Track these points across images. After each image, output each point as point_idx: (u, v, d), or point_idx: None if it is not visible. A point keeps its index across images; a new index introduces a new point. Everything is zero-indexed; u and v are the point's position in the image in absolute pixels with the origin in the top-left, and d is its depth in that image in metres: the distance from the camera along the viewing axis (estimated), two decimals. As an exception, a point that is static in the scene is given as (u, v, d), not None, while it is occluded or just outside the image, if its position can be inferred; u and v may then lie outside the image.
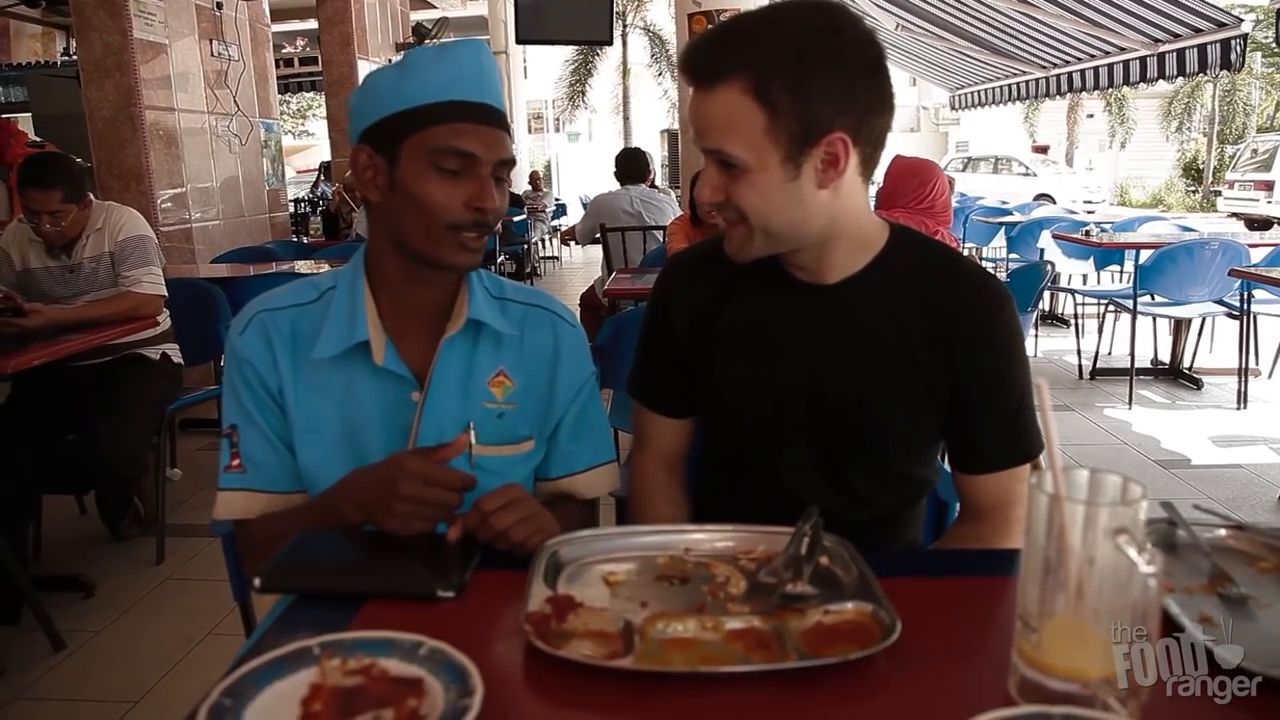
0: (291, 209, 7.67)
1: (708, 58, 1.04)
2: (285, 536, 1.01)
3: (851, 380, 1.14)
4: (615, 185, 5.46)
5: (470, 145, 1.07)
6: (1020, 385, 1.15)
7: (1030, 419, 1.16)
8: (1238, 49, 5.61)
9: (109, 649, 2.45)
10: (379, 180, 1.10)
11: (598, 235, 5.25)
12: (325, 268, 4.33)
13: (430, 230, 1.08)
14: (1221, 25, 5.77)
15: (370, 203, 1.14)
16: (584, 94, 21.74)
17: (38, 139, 6.41)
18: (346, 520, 1.02)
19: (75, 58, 4.86)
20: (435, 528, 0.98)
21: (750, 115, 1.01)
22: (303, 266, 4.42)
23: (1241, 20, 5.70)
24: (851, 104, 1.03)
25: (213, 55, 5.40)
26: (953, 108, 12.24)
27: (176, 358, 3.18)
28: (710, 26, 1.07)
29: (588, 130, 27.24)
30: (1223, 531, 1.00)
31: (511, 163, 1.14)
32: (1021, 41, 8.03)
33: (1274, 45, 5.54)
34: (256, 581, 0.92)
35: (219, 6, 5.44)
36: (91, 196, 3.02)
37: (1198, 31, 5.97)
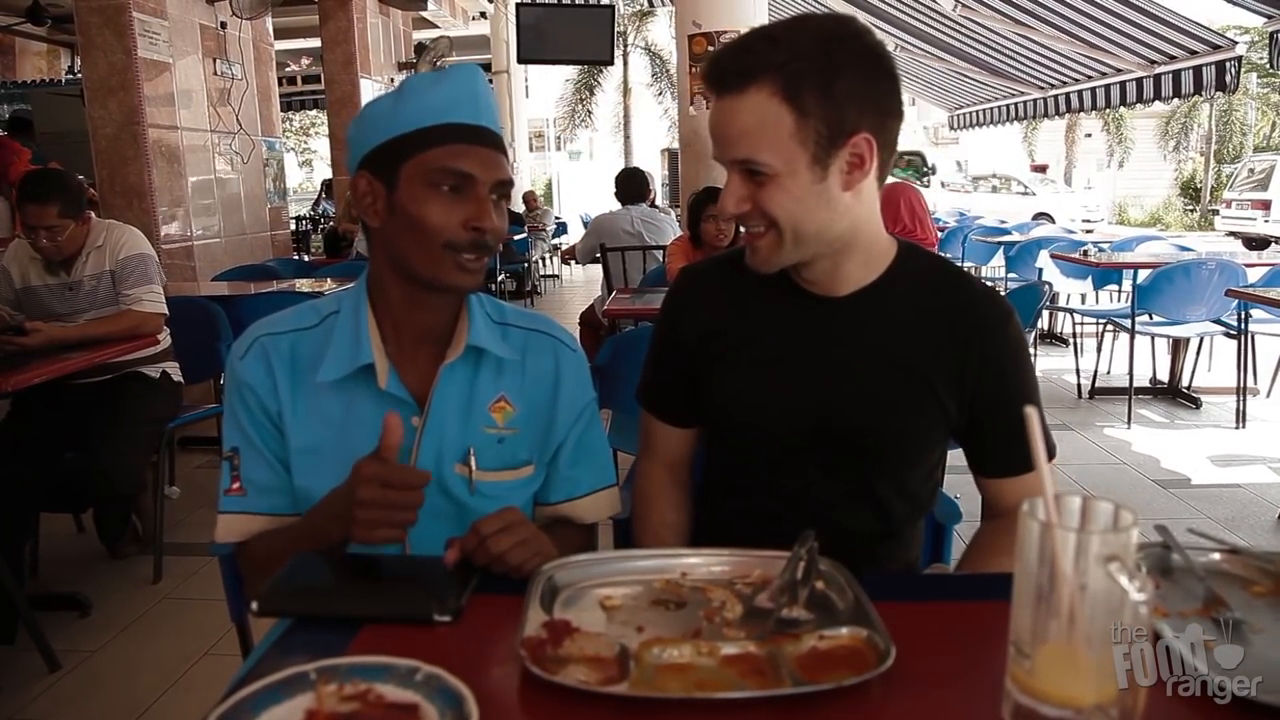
0: (293, 227, 7.69)
1: (734, 63, 1.05)
2: (281, 556, 1.02)
3: (859, 391, 1.16)
4: (616, 204, 5.49)
5: (468, 166, 1.08)
6: (1028, 391, 1.17)
7: (1041, 423, 1.17)
8: (1232, 70, 5.66)
9: (105, 669, 2.45)
10: (378, 205, 1.12)
11: (598, 254, 5.27)
12: (328, 284, 4.35)
13: (429, 250, 1.09)
14: (1216, 48, 5.82)
15: (370, 228, 1.15)
16: (588, 113, 21.86)
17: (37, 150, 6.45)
18: (330, 536, 1.01)
19: (79, 76, 4.90)
20: (403, 535, 0.97)
21: (779, 118, 1.03)
22: (304, 284, 4.43)
23: (1235, 43, 5.75)
24: (875, 106, 1.06)
25: (216, 74, 5.44)
26: (951, 127, 12.30)
27: (176, 376, 3.18)
28: (728, 40, 1.09)
29: (589, 149, 27.37)
30: (1217, 555, 1.00)
31: (510, 183, 1.15)
32: (1019, 63, 8.09)
33: (1269, 66, 5.61)
34: (254, 605, 0.92)
35: (223, 26, 5.48)
36: (92, 214, 3.04)
37: (1193, 53, 6.02)
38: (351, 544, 1.01)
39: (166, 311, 3.05)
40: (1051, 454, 1.12)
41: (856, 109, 1.04)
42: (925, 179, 18.25)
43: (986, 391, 1.16)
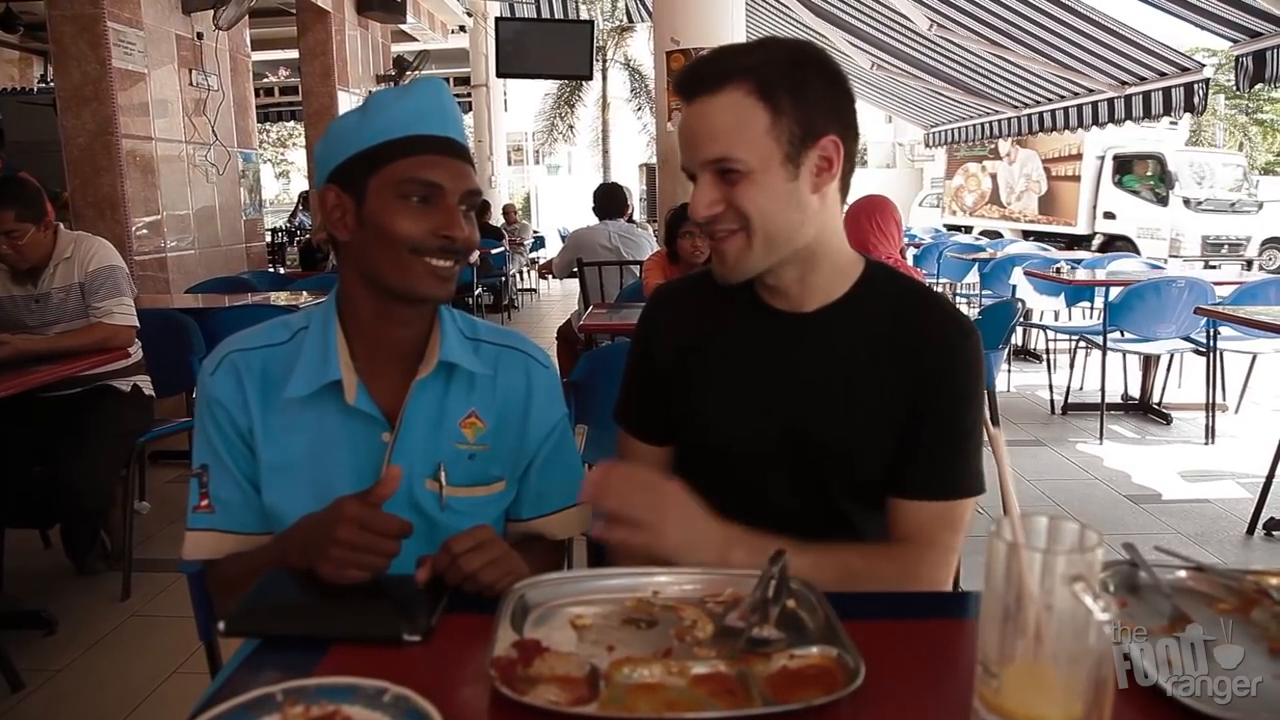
0: (269, 239, 7.64)
1: (709, 67, 1.10)
2: (248, 578, 1.01)
3: (827, 407, 1.16)
4: (594, 219, 5.50)
5: (436, 176, 1.09)
6: (968, 420, 1.15)
7: (968, 459, 1.15)
8: (1200, 92, 5.77)
9: (71, 688, 2.40)
10: (347, 218, 1.12)
11: (575, 269, 5.28)
12: (304, 297, 4.32)
13: (398, 258, 1.09)
14: (1185, 69, 5.92)
15: (340, 242, 1.15)
16: (569, 127, 21.90)
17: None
18: (291, 564, 1.00)
19: (52, 84, 4.85)
20: (371, 576, 0.96)
21: (755, 115, 1.06)
22: (279, 297, 4.40)
23: (1204, 65, 5.86)
24: (840, 115, 1.11)
25: (192, 84, 5.40)
26: (927, 145, 12.41)
27: (148, 389, 3.15)
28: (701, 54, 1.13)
29: (567, 163, 27.41)
30: (1183, 573, 1.01)
31: (478, 193, 1.16)
32: (994, 82, 8.19)
33: (1235, 88, 5.75)
34: (221, 625, 0.91)
35: (199, 36, 5.45)
36: (61, 225, 3.00)
37: (1162, 75, 6.13)
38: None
39: (137, 324, 3.02)
40: (966, 492, 1.14)
41: (824, 114, 1.09)
42: (1163, 195, 13.63)
43: (928, 407, 1.14)
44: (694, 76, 1.10)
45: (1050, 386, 5.45)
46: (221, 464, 1.14)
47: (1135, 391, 5.32)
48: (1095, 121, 7.12)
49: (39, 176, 3.12)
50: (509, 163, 17.11)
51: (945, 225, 16.91)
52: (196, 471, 1.16)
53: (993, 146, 16.00)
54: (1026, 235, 14.77)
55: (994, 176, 17.02)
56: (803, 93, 1.07)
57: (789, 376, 1.18)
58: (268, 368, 1.15)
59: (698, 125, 1.09)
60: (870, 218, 3.25)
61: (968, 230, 15.72)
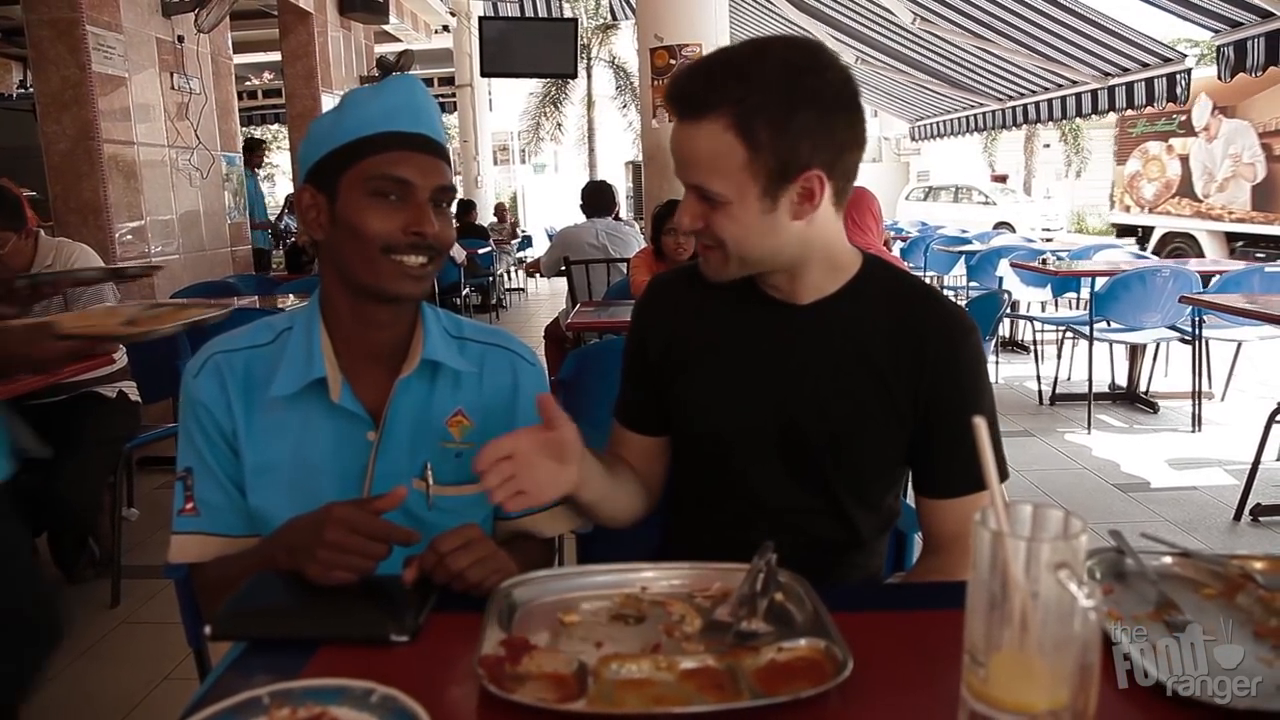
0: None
1: (695, 90, 1.07)
2: (235, 581, 1.00)
3: (820, 399, 1.17)
4: (581, 217, 5.50)
5: (405, 172, 1.09)
6: (984, 411, 1.16)
7: (995, 442, 1.17)
8: (1182, 83, 5.81)
9: (60, 696, 2.38)
10: (321, 217, 1.12)
11: (563, 267, 5.27)
12: (290, 300, 4.30)
13: (369, 257, 1.09)
14: (1167, 60, 5.97)
15: (317, 241, 1.14)
16: (557, 125, 21.87)
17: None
18: (279, 565, 1.00)
19: (31, 90, 4.81)
20: (357, 578, 0.96)
21: (732, 151, 1.05)
22: (264, 302, 4.38)
23: (1185, 56, 5.90)
24: (829, 143, 1.07)
25: (174, 88, 5.36)
26: (913, 138, 12.46)
27: (134, 395, 3.13)
28: (690, 54, 1.11)
29: (554, 162, 27.36)
30: (1169, 559, 1.02)
31: (450, 189, 1.15)
32: (979, 75, 8.23)
33: (1217, 78, 5.78)
34: (208, 629, 0.90)
35: (180, 40, 5.41)
36: (42, 232, 2.98)
37: (1145, 66, 6.17)
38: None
39: (122, 329, 2.99)
40: (1003, 475, 1.13)
41: (810, 145, 1.05)
42: None
43: (939, 405, 1.16)
44: (679, 96, 1.08)
45: (1038, 377, 5.47)
46: (206, 466, 1.14)
47: (1122, 381, 5.34)
48: (1079, 112, 7.19)
49: (19, 183, 3.09)
50: (495, 162, 17.07)
51: (1113, 225, 13.31)
52: (181, 474, 1.15)
53: (1184, 118, 11.44)
54: (1232, 241, 11.00)
55: (1184, 159, 11.90)
56: (786, 126, 1.04)
57: (782, 365, 1.18)
58: (251, 369, 1.15)
59: (680, 147, 1.10)
60: (846, 212, 3.27)
61: (1143, 235, 12.20)
